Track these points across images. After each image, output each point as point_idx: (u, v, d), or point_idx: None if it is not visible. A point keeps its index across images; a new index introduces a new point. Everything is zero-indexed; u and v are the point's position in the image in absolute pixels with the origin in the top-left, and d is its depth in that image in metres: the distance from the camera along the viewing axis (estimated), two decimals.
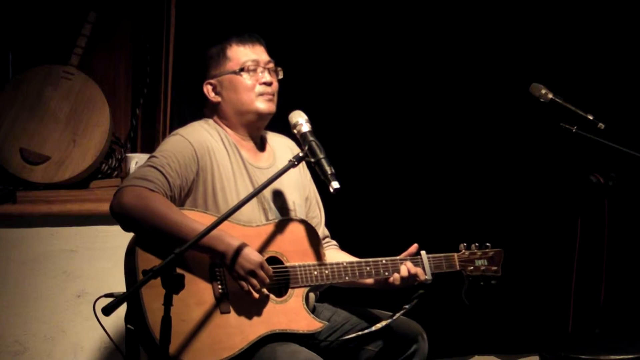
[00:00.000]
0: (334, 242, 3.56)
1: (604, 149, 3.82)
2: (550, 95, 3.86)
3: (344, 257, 3.41)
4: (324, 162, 3.11)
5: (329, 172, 3.09)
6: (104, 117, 4.35)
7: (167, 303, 2.78)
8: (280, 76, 3.39)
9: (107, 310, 2.72)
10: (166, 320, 2.79)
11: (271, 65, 3.36)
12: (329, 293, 3.48)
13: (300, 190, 3.44)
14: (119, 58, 4.61)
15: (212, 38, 3.43)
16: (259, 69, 3.32)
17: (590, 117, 3.78)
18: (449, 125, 5.06)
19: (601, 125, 3.76)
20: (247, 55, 3.33)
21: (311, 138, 3.16)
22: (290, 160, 3.14)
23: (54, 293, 4.19)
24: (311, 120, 3.29)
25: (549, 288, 5.16)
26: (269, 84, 3.32)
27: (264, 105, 3.31)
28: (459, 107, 5.05)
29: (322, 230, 3.52)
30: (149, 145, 4.52)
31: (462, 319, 4.98)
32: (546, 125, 4.13)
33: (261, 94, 3.30)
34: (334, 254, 3.47)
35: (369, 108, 4.93)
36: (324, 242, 3.47)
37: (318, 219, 3.52)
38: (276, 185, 3.31)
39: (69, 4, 4.44)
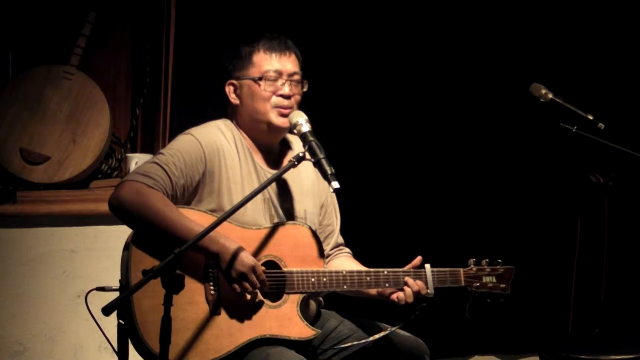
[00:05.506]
0: (347, 249, 3.46)
1: (604, 149, 3.81)
2: (550, 95, 3.85)
3: (353, 266, 3.32)
4: (324, 162, 3.08)
5: (329, 172, 3.06)
6: (104, 117, 4.36)
7: (167, 303, 2.78)
8: (305, 89, 3.28)
9: (107, 311, 2.72)
10: (166, 321, 2.78)
11: (296, 77, 3.25)
12: (337, 301, 3.41)
13: (315, 197, 3.36)
14: (119, 58, 4.61)
15: (245, 34, 3.32)
16: (280, 81, 3.22)
17: (590, 117, 3.77)
18: (449, 125, 5.06)
19: (601, 125, 3.75)
20: (271, 64, 3.22)
21: (311, 138, 3.13)
22: (290, 161, 3.11)
23: (54, 293, 4.19)
24: (322, 129, 3.22)
25: (549, 288, 5.16)
26: (286, 97, 3.21)
27: (278, 118, 3.21)
28: (459, 108, 5.05)
29: (336, 239, 3.43)
30: (149, 145, 4.53)
31: (462, 319, 4.98)
32: (546, 125, 4.12)
33: (276, 107, 3.21)
34: (343, 262, 3.38)
35: (369, 110, 4.93)
36: (336, 249, 3.41)
37: (333, 226, 3.43)
38: (288, 191, 3.27)
39: (69, 4, 4.44)
